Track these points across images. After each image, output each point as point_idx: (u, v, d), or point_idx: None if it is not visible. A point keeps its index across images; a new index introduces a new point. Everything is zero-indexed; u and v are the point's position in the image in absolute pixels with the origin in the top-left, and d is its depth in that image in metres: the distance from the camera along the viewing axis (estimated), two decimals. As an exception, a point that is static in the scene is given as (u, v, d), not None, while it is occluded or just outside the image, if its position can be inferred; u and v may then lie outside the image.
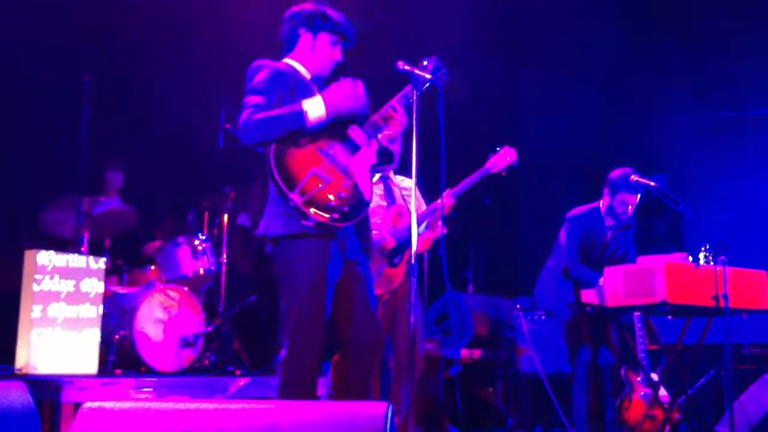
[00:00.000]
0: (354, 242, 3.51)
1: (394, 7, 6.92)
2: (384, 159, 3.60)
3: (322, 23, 3.58)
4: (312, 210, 3.28)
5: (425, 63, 3.58)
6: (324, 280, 3.36)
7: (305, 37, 3.59)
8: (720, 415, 5.50)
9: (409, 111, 3.56)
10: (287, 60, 3.63)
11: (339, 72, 3.65)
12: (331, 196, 3.33)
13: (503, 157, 4.75)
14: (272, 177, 3.30)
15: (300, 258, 3.34)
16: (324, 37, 3.59)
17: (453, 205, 4.80)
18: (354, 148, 3.49)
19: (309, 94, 3.46)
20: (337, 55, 3.62)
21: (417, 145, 3.44)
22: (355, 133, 3.51)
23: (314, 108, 3.35)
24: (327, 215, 3.30)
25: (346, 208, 3.35)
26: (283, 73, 3.50)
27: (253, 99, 3.39)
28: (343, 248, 3.46)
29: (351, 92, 3.43)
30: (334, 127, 3.44)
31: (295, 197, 3.27)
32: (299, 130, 3.34)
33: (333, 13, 3.61)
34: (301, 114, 3.33)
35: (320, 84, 3.62)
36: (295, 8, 3.65)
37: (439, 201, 4.70)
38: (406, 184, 4.94)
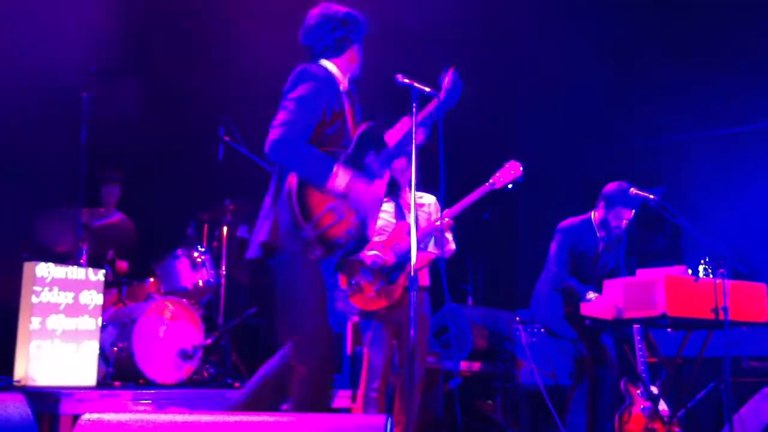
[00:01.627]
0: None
1: (392, 19, 6.94)
2: (391, 191, 3.56)
3: (360, 31, 3.54)
4: (319, 246, 3.28)
5: (443, 75, 3.52)
6: (323, 295, 3.35)
7: (354, 46, 3.54)
8: (719, 429, 5.49)
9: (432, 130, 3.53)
10: (326, 63, 3.50)
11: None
12: (340, 233, 3.33)
13: (507, 172, 4.70)
14: (290, 202, 3.27)
15: (300, 273, 3.33)
16: (358, 43, 3.56)
17: (451, 225, 4.77)
18: (371, 177, 3.45)
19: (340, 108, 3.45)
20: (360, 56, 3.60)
21: (416, 159, 3.42)
22: (371, 160, 3.49)
23: (341, 180, 3.31)
24: (331, 252, 3.32)
25: (351, 246, 3.37)
26: (328, 84, 3.41)
27: (290, 115, 3.28)
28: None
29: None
30: (354, 157, 3.43)
31: (309, 230, 3.26)
32: (317, 184, 3.31)
33: (360, 17, 3.55)
34: (327, 177, 3.28)
35: (352, 93, 3.58)
36: (338, 11, 3.52)
37: (437, 222, 4.70)
38: (426, 200, 4.92)
